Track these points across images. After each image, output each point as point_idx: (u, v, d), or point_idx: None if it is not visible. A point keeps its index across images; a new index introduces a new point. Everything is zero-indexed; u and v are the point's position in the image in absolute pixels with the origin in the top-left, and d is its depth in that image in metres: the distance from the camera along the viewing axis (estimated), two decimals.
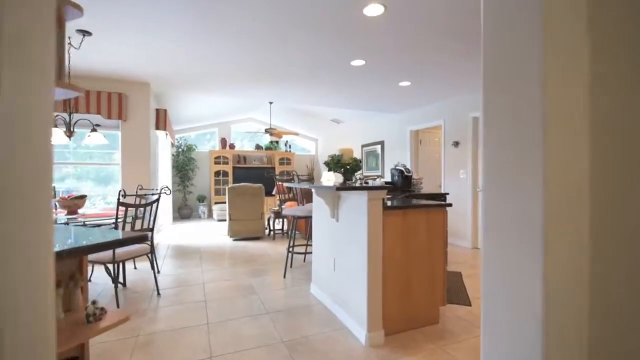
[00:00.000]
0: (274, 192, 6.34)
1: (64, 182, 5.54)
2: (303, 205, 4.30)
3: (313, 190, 3.01)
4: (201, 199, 9.03)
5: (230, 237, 5.63)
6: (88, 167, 5.66)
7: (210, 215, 9.07)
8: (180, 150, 8.88)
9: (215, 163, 9.16)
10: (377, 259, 2.17)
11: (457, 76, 4.21)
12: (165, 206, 7.61)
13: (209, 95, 5.44)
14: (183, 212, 8.79)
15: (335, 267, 2.62)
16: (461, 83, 4.52)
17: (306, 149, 11.14)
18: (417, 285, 2.37)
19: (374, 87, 4.76)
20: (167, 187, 3.13)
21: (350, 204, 2.36)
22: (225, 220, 7.23)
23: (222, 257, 4.47)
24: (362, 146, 8.14)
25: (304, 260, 4.22)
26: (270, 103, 7.72)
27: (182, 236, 6.12)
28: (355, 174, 2.40)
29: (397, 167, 4.28)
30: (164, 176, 7.57)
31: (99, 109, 4.25)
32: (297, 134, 8.02)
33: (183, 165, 8.83)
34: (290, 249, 3.63)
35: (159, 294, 3.04)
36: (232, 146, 9.50)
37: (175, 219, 8.67)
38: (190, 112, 7.71)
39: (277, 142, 10.28)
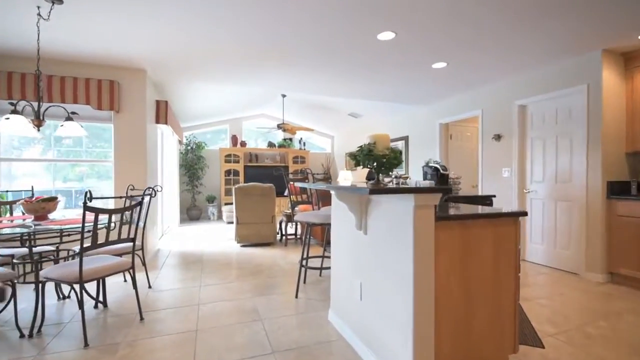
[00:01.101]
0: (286, 193, 5.73)
1: (84, 182, 4.97)
2: (319, 208, 3.67)
3: (333, 192, 2.37)
4: (211, 199, 8.54)
5: (238, 242, 5.07)
6: (107, 165, 5.17)
7: (220, 217, 8.57)
8: (189, 148, 8.42)
9: (226, 161, 8.66)
10: (428, 291, 1.51)
11: (503, 54, 3.48)
12: (173, 207, 7.15)
13: (214, 83, 4.89)
14: (192, 213, 8.32)
15: (362, 295, 1.98)
16: (506, 63, 3.77)
17: (321, 146, 10.51)
18: (479, 327, 1.69)
19: (403, 70, 4.07)
20: (151, 188, 2.55)
21: (386, 211, 1.71)
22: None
23: (226, 268, 3.89)
24: None
25: (320, 274, 3.59)
26: (283, 96, 7.14)
27: (187, 240, 5.61)
28: (395, 170, 1.76)
29: (431, 164, 3.59)
30: (171, 175, 7.11)
31: (88, 99, 3.75)
32: (312, 130, 7.40)
33: (192, 164, 8.37)
34: (304, 264, 3.00)
35: (142, 318, 2.48)
36: (243, 144, 8.98)
37: (183, 220, 8.22)
38: (198, 108, 7.20)
39: (290, 139, 9.70)
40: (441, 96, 5.31)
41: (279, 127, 7.19)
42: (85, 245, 2.17)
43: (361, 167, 1.69)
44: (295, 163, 9.37)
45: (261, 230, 5.08)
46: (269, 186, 5.11)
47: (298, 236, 5.67)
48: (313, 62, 3.81)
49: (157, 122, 4.79)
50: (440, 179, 3.52)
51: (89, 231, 2.29)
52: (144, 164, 4.06)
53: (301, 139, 9.73)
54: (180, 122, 7.82)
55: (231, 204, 8.11)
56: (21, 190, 3.18)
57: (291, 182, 3.42)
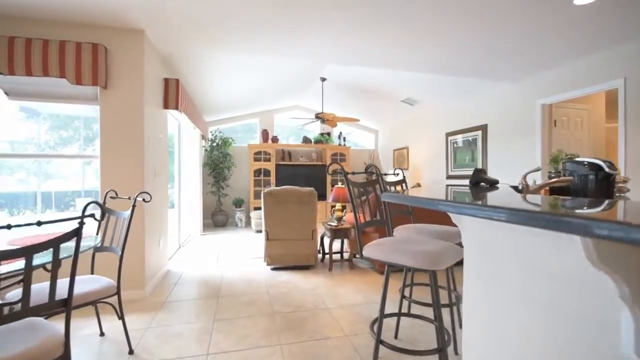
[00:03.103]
0: (330, 199, 4.45)
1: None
2: (390, 231, 2.30)
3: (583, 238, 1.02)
4: (238, 203, 7.47)
5: (267, 264, 3.86)
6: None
7: (248, 224, 7.48)
8: (214, 144, 7.41)
9: (255, 160, 7.55)
10: None
11: None
12: (194, 213, 6.13)
13: (236, 53, 3.72)
14: (217, 219, 7.30)
15: None
16: None
17: (361, 144, 9.13)
18: None
19: (520, 9, 2.63)
20: (97, 202, 1.37)
21: None
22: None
23: (250, 312, 2.67)
24: (447, 134, 5.94)
25: (396, 337, 2.24)
26: (323, 80, 5.87)
27: (207, 256, 4.49)
28: None
29: (585, 160, 2.12)
30: (192, 176, 6.09)
31: (63, 70, 2.68)
32: (357, 121, 6.07)
33: (217, 162, 7.34)
34: (382, 340, 1.67)
35: None
36: (275, 139, 7.83)
37: (207, 226, 7.20)
38: (223, 96, 6.11)
39: (328, 134, 8.42)
40: (552, 63, 3.75)
41: (317, 117, 5.95)
42: None
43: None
44: (334, 161, 8.08)
45: (298, 248, 3.83)
46: (308, 191, 3.84)
47: (345, 255, 4.37)
48: (376, 11, 2.48)
49: (166, 106, 3.69)
50: (599, 184, 2.04)
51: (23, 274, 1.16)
52: (141, 160, 2.94)
53: (340, 133, 8.41)
54: (205, 115, 6.81)
55: (261, 208, 6.98)
56: None
57: (355, 188, 2.07)
